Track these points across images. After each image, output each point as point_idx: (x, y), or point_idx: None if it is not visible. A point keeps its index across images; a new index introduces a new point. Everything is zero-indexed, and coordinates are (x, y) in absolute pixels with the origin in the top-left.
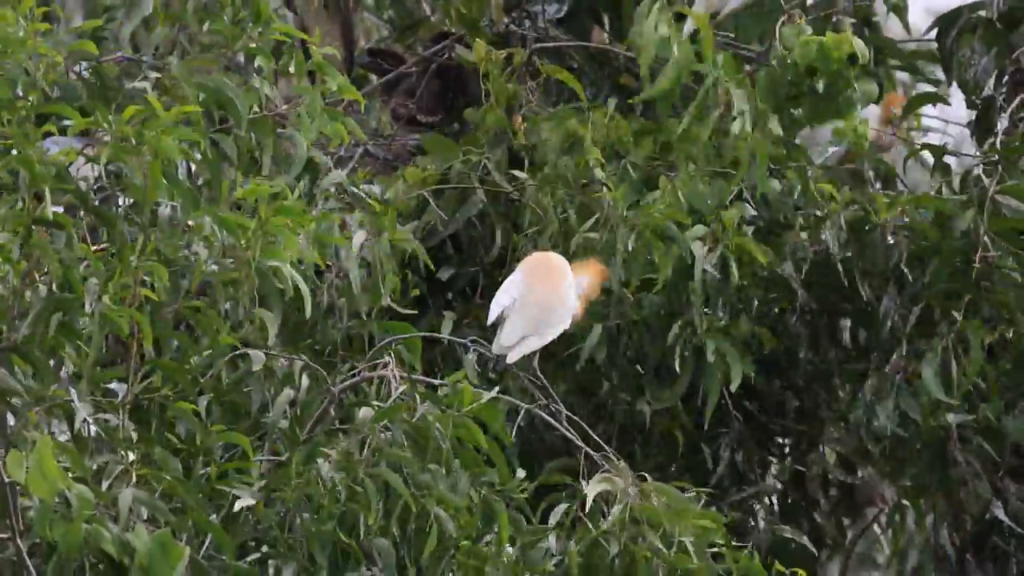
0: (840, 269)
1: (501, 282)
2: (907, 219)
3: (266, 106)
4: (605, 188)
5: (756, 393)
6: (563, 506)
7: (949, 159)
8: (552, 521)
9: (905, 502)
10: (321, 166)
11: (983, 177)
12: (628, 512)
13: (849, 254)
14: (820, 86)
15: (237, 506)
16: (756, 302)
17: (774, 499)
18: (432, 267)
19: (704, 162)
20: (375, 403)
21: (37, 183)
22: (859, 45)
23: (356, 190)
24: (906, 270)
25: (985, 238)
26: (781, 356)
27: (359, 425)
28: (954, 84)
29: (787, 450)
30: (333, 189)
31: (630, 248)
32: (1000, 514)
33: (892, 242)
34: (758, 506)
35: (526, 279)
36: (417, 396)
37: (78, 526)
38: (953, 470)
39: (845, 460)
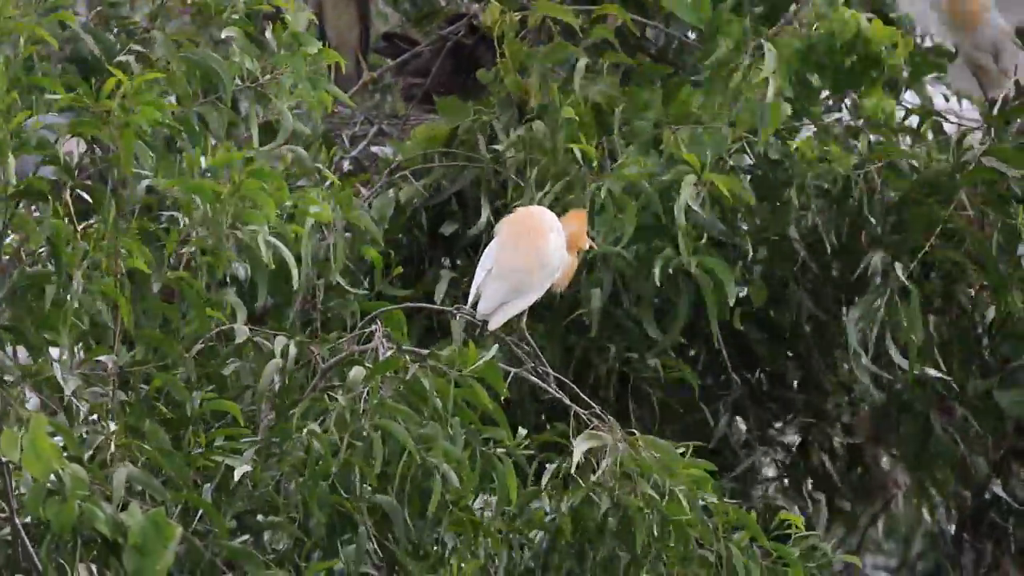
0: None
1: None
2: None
3: (248, 77)
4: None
5: (758, 362)
6: (553, 466)
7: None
8: (544, 480)
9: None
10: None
11: (973, 144)
12: (619, 465)
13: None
14: (849, 62)
15: (237, 475)
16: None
17: (775, 472)
18: (424, 228)
19: (710, 119)
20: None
21: (21, 151)
22: (902, 40)
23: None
24: (873, 219)
25: (963, 196)
26: (783, 325)
27: (352, 383)
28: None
29: (791, 417)
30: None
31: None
32: (999, 491)
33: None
34: (759, 478)
35: (505, 241)
36: (408, 358)
37: (71, 505)
38: (949, 446)
39: (848, 428)
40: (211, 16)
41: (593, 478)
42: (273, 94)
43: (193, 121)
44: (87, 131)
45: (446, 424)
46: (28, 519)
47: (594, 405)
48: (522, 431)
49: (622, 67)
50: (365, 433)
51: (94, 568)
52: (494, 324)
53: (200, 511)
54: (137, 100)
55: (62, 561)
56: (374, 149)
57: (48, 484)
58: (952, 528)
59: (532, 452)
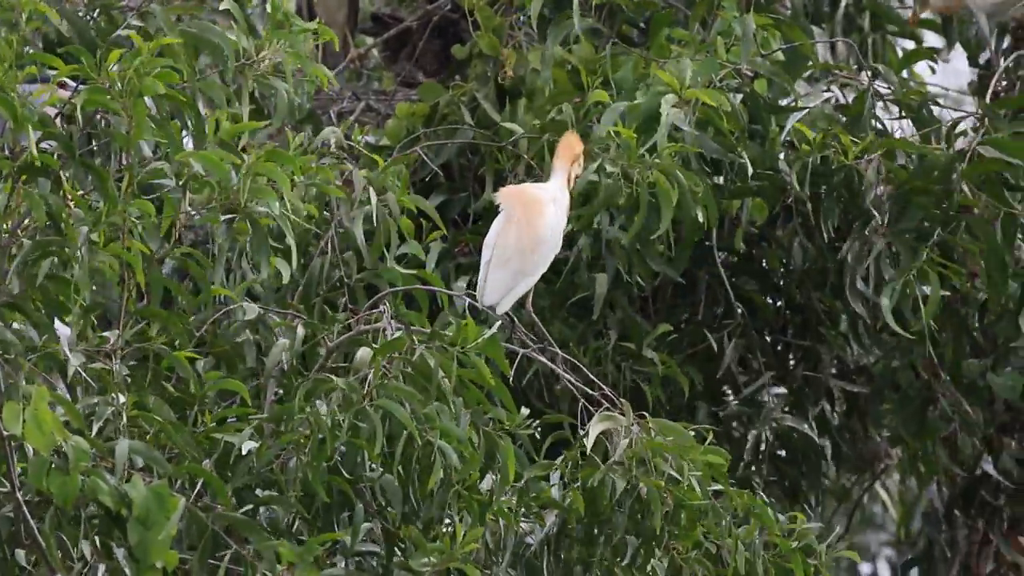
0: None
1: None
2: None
3: (244, 54)
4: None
5: (756, 309)
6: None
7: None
8: (559, 461)
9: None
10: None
11: (969, 131)
12: (634, 447)
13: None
14: None
15: (244, 450)
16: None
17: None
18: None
19: (692, 55)
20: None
21: (20, 127)
22: None
23: (354, 143)
24: (873, 209)
25: (963, 185)
26: (777, 273)
27: (358, 364)
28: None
29: (791, 364)
30: (332, 142)
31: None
32: (989, 468)
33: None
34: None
35: (503, 225)
36: (415, 338)
37: (75, 478)
38: (939, 422)
39: (846, 375)
40: None
41: (612, 459)
42: (268, 71)
43: (196, 95)
44: (97, 100)
45: (450, 403)
46: (29, 496)
47: (604, 387)
48: (524, 411)
49: (606, 37)
50: (367, 409)
51: (97, 541)
52: (503, 308)
53: (200, 484)
54: (149, 67)
55: (64, 537)
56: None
57: (51, 457)
58: (942, 506)
59: (537, 432)
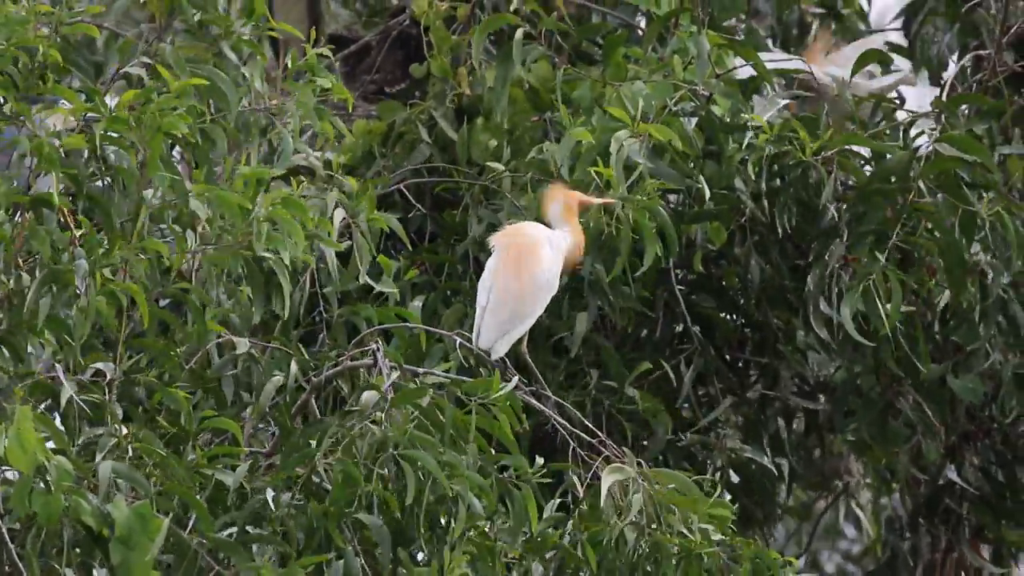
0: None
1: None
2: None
3: (255, 101)
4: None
5: (715, 327)
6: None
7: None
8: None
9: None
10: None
11: (925, 130)
12: (648, 502)
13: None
14: None
15: (256, 498)
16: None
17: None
18: (410, 246)
19: (649, 74)
20: (380, 388)
21: (43, 165)
22: None
23: (334, 174)
24: (832, 208)
25: (921, 184)
26: (735, 290)
27: (364, 406)
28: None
29: (751, 380)
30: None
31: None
32: (953, 476)
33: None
34: (723, 431)
35: (499, 268)
36: (419, 382)
37: (57, 497)
38: (903, 429)
39: (805, 393)
40: (221, 34)
41: (630, 516)
42: (281, 120)
43: (198, 137)
44: (116, 130)
45: (461, 450)
46: (12, 524)
47: (599, 432)
48: (539, 460)
49: (564, 53)
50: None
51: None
52: (497, 354)
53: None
54: (169, 105)
55: (48, 561)
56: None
57: (35, 477)
58: (906, 515)
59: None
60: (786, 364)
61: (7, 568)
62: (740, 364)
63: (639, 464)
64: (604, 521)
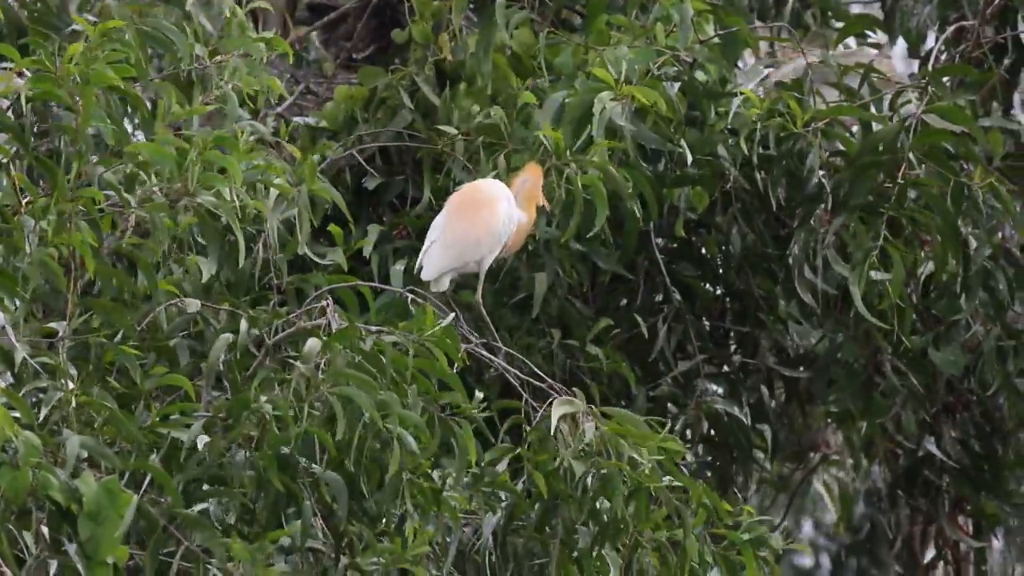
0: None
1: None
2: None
3: (199, 59)
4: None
5: (695, 296)
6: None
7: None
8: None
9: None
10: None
11: (912, 100)
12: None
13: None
14: None
15: (198, 444)
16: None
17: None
18: (350, 217)
19: (631, 41)
20: (322, 336)
21: None
22: None
23: (281, 140)
24: (824, 180)
25: (910, 155)
26: (716, 259)
27: (307, 355)
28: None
29: (732, 350)
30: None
31: None
32: (933, 448)
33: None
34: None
35: (452, 212)
36: (365, 327)
37: (25, 472)
38: (884, 401)
39: (785, 361)
40: None
41: (582, 444)
42: (221, 77)
43: (147, 91)
44: (44, 90)
45: (403, 391)
46: None
47: (548, 379)
48: (479, 395)
49: (546, 18)
50: (322, 402)
51: (46, 534)
52: (438, 286)
53: (147, 480)
54: (99, 54)
55: (14, 530)
56: (296, 119)
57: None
58: (885, 487)
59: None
60: (766, 333)
61: None
62: (720, 332)
63: (590, 406)
64: (552, 451)
